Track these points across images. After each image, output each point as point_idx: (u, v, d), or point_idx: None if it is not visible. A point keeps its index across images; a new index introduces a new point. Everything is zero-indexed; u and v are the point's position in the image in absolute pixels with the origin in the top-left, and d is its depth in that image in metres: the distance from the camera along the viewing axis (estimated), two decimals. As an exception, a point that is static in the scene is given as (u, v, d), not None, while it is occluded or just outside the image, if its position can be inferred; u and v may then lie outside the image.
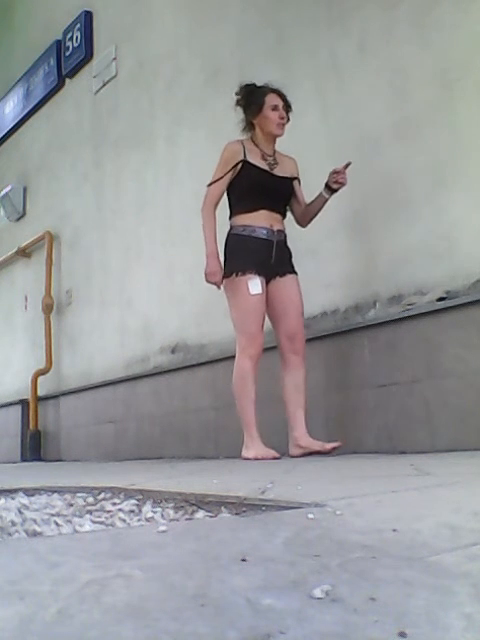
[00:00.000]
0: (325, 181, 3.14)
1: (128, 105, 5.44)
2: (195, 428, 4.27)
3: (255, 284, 3.09)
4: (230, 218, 3.24)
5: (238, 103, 3.28)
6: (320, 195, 3.19)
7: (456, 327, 2.82)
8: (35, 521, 1.30)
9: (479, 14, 2.91)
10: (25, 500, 1.64)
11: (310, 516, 1.01)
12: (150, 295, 4.96)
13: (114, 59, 5.63)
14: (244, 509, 1.25)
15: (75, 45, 6.17)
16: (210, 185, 3.24)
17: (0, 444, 6.60)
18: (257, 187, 3.17)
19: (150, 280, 4.98)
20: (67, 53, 6.31)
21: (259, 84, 3.28)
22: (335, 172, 3.09)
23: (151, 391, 4.75)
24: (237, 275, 3.12)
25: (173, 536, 0.93)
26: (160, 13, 5.10)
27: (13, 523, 1.29)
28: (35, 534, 1.21)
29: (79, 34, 6.10)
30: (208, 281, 3.18)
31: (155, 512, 1.33)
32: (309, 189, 3.27)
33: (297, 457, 3.03)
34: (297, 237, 3.35)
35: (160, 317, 4.81)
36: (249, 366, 3.07)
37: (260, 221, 3.16)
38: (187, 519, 1.26)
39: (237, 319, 3.15)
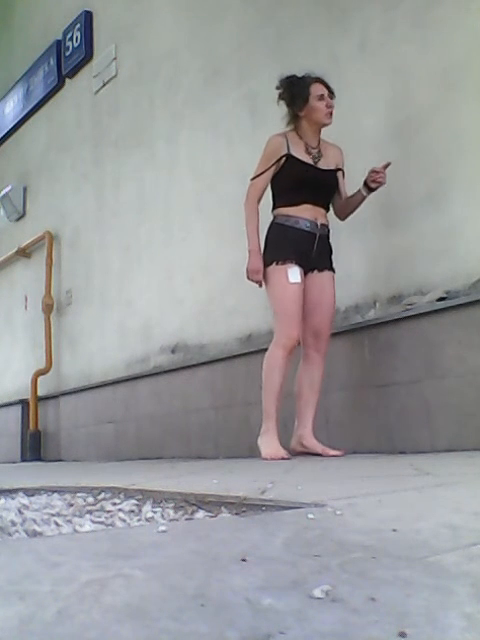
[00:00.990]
0: (364, 179, 3.05)
1: (128, 105, 5.44)
2: (195, 428, 4.26)
3: (294, 272, 3.03)
4: (273, 210, 3.17)
5: (281, 97, 3.16)
6: (358, 192, 3.11)
7: (456, 327, 2.82)
8: (35, 521, 1.30)
9: (479, 13, 2.92)
10: (25, 500, 1.64)
11: (310, 516, 1.01)
12: (150, 295, 4.96)
13: (114, 59, 5.63)
14: (244, 509, 1.25)
15: (75, 45, 6.17)
16: (253, 179, 3.16)
17: (0, 444, 6.60)
18: (301, 181, 3.09)
19: (150, 280, 4.97)
20: (67, 53, 6.31)
21: (299, 74, 3.15)
22: (374, 171, 3.00)
23: (151, 391, 4.75)
24: (277, 264, 3.05)
25: (173, 536, 0.93)
26: (160, 13, 5.10)
27: (13, 523, 1.29)
28: (35, 534, 1.21)
29: (79, 34, 6.10)
30: (249, 278, 3.11)
31: (155, 512, 1.33)
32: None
33: (296, 454, 3.02)
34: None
35: (160, 317, 4.81)
36: (280, 356, 2.99)
37: (304, 214, 3.09)
38: (187, 519, 1.26)
39: (275, 308, 3.09)
